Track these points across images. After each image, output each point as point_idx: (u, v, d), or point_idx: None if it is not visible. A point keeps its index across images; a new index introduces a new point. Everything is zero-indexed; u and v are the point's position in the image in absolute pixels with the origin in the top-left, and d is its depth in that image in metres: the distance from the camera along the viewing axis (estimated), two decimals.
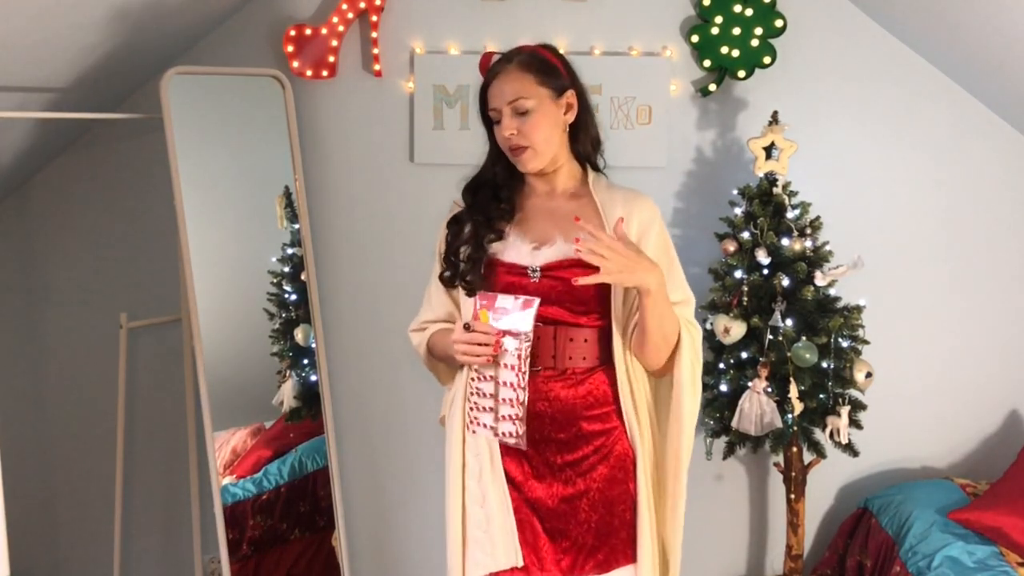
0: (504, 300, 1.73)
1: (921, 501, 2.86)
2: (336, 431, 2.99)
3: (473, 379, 1.84)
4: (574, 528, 1.87)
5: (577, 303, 1.84)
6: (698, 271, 3.10)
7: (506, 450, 1.87)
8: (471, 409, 1.85)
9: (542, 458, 1.87)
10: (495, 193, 1.92)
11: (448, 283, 1.95)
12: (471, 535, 1.87)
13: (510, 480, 1.87)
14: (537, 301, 1.73)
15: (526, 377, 1.75)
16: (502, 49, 1.99)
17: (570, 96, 1.90)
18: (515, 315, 1.72)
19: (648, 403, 1.94)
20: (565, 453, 1.87)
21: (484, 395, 1.81)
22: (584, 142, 1.94)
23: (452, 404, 1.95)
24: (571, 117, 1.91)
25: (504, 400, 1.78)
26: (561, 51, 2.97)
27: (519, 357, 1.73)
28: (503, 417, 1.79)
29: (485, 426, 1.82)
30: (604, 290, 1.85)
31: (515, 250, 1.87)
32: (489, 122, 1.91)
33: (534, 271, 1.85)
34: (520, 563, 1.84)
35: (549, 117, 1.85)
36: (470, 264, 1.87)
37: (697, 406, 1.93)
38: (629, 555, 1.90)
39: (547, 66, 1.88)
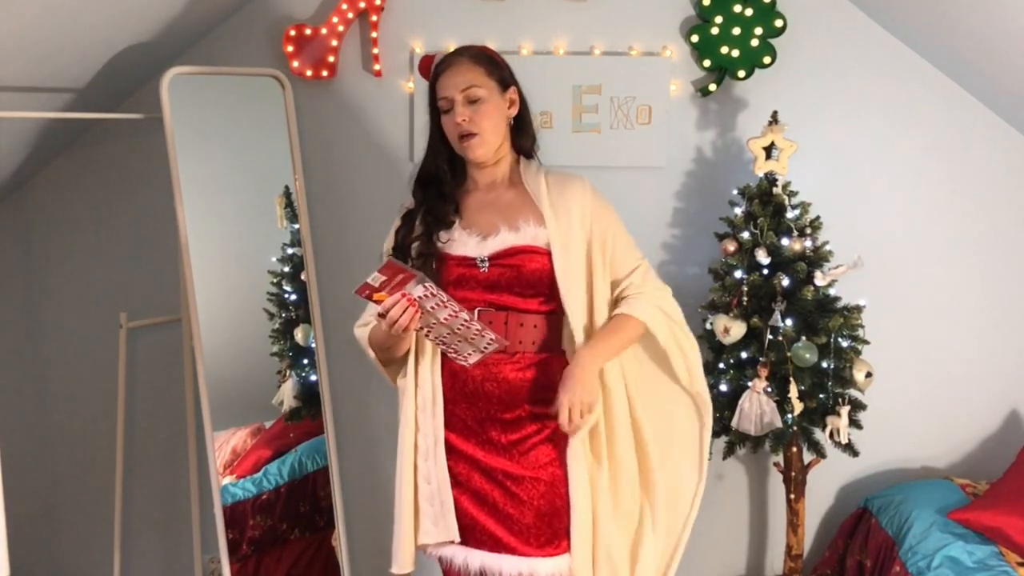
0: (374, 278, 1.81)
1: (921, 501, 2.86)
2: (336, 431, 2.99)
3: (431, 338, 1.93)
4: (516, 507, 1.94)
5: (525, 287, 1.95)
6: (698, 271, 3.10)
7: (452, 427, 1.98)
8: (455, 354, 1.94)
9: (487, 436, 1.97)
10: (440, 189, 2.02)
11: None
12: (422, 508, 1.99)
13: (460, 454, 1.97)
14: (389, 258, 1.84)
15: (453, 300, 1.83)
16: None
17: (513, 92, 2.03)
18: (395, 277, 1.80)
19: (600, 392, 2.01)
20: (509, 433, 1.96)
21: (447, 337, 1.90)
22: (526, 137, 2.07)
23: (403, 394, 2.03)
24: (514, 111, 2.03)
25: (462, 327, 1.87)
26: (561, 51, 3.02)
27: (433, 295, 1.81)
28: (474, 338, 1.88)
29: (471, 354, 1.92)
30: (552, 276, 1.95)
31: (462, 244, 1.98)
32: (435, 118, 2.01)
33: (482, 261, 1.96)
34: (457, 539, 1.96)
35: (496, 108, 1.98)
36: (421, 260, 1.97)
37: (686, 362, 2.08)
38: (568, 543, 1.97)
39: (494, 61, 2.02)
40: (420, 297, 1.82)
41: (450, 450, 1.98)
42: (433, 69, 2.01)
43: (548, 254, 1.96)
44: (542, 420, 1.97)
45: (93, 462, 3.17)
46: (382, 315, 1.85)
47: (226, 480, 2.80)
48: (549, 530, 1.95)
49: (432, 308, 1.83)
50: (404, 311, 1.82)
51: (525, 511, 1.94)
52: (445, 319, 1.85)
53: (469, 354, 1.92)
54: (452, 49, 2.07)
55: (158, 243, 3.06)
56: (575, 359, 1.93)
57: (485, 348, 1.90)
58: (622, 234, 2.06)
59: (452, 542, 1.97)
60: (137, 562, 3.21)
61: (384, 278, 1.79)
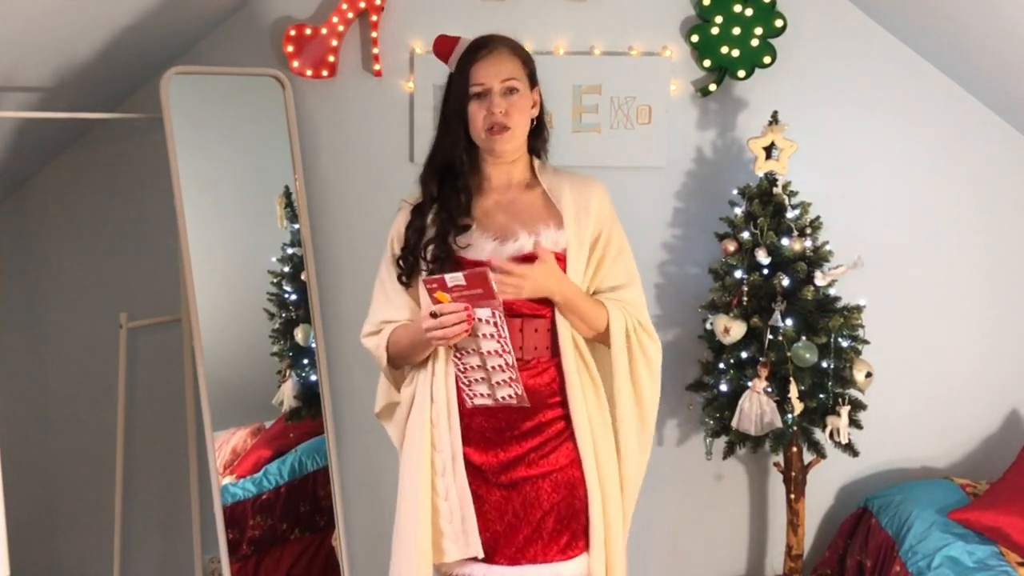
0: (454, 278, 1.72)
1: (921, 501, 2.86)
2: (336, 431, 2.99)
3: (457, 357, 1.85)
4: (537, 512, 1.89)
5: (545, 295, 1.88)
6: (698, 271, 3.10)
7: (470, 441, 1.90)
8: (465, 385, 1.87)
9: (506, 447, 1.90)
10: (455, 183, 1.93)
11: (407, 283, 1.96)
12: (439, 528, 1.90)
13: (477, 469, 1.90)
14: (486, 269, 1.73)
15: (509, 340, 1.77)
16: None
17: (536, 92, 1.97)
18: (474, 289, 1.72)
19: (596, 390, 1.96)
20: (530, 440, 1.90)
21: (472, 368, 1.83)
22: (542, 137, 2.01)
23: (414, 405, 1.95)
24: (536, 111, 1.97)
25: (494, 368, 1.80)
26: (561, 51, 3.02)
27: (496, 324, 1.73)
28: (497, 383, 1.82)
29: (482, 395, 1.85)
30: None
31: (478, 248, 1.90)
32: (458, 104, 1.90)
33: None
34: (480, 554, 1.89)
35: (527, 103, 1.92)
36: (438, 264, 1.89)
37: (632, 385, 1.96)
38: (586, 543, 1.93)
39: (528, 56, 1.96)
40: (480, 320, 1.73)
41: (467, 465, 1.89)
42: (465, 52, 1.90)
43: (565, 259, 1.91)
44: (562, 421, 1.92)
45: (93, 462, 3.17)
46: (434, 315, 1.76)
47: (226, 480, 2.80)
48: (569, 532, 1.91)
49: (483, 335, 1.75)
50: (457, 323, 1.74)
51: (547, 516, 1.89)
52: (487, 351, 1.77)
53: (481, 394, 1.85)
54: (464, 40, 1.98)
55: (158, 243, 3.06)
56: (560, 272, 1.87)
57: (502, 398, 1.83)
58: (624, 249, 2.00)
59: (475, 559, 1.90)
60: (137, 562, 3.21)
61: (463, 284, 1.70)
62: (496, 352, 1.77)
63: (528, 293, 1.83)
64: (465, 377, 1.86)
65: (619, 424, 1.96)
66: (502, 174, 1.97)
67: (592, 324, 1.92)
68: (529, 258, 1.88)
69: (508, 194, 1.96)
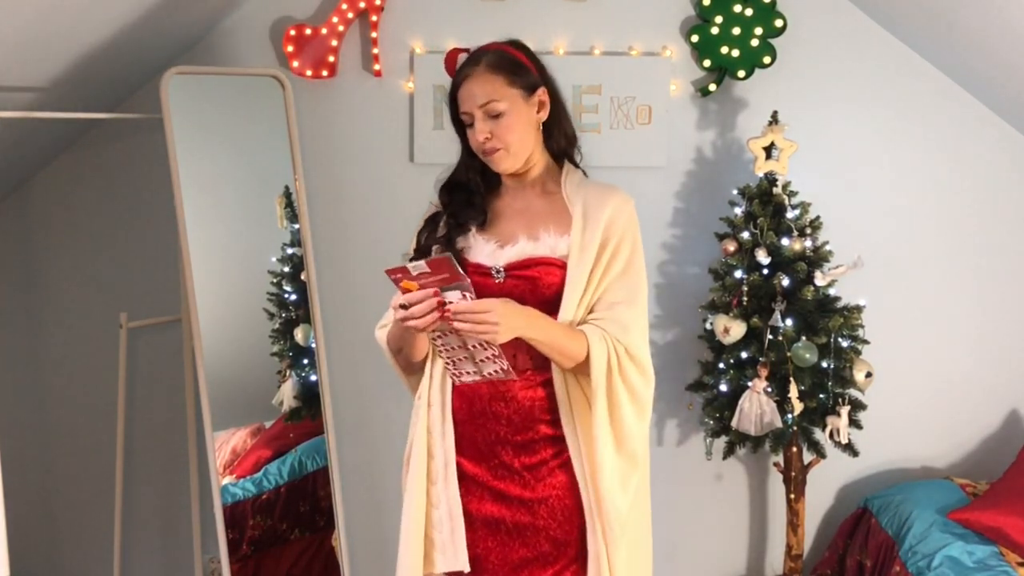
0: (417, 266, 1.66)
1: (921, 501, 2.86)
2: (336, 431, 2.99)
3: (437, 339, 1.78)
4: (532, 536, 1.85)
5: (539, 302, 1.79)
6: (698, 271, 3.10)
7: (463, 451, 1.87)
8: (450, 364, 1.81)
9: (499, 460, 1.85)
10: (469, 198, 1.90)
11: None
12: (429, 536, 1.87)
13: (471, 480, 1.87)
14: (448, 254, 1.66)
15: None
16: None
17: (542, 94, 1.86)
18: (439, 274, 1.66)
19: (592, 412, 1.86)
20: (523, 456, 1.85)
21: (454, 348, 1.77)
22: (558, 139, 1.91)
23: (416, 409, 1.92)
24: (544, 115, 1.87)
25: (475, 347, 1.74)
26: (561, 51, 3.02)
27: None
28: (482, 361, 1.76)
29: (468, 373, 1.80)
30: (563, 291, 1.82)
31: (479, 251, 1.86)
32: (461, 124, 1.87)
33: (498, 271, 1.83)
34: (467, 568, 1.84)
35: (522, 117, 1.82)
36: None
37: (612, 425, 1.80)
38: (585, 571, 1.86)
39: (516, 65, 1.83)
40: (452, 302, 1.67)
41: (461, 476, 1.86)
42: (454, 77, 1.85)
43: (564, 266, 1.82)
44: (560, 443, 1.84)
45: (93, 462, 3.17)
46: (403, 306, 1.68)
47: (226, 480, 2.80)
48: (564, 558, 1.86)
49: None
50: (429, 312, 1.66)
51: (541, 539, 1.85)
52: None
53: (467, 372, 1.80)
54: (459, 48, 1.92)
55: (158, 243, 3.06)
56: (525, 308, 1.74)
57: (489, 374, 1.78)
58: (633, 267, 1.87)
59: (461, 573, 1.86)
60: (137, 562, 3.21)
61: (428, 271, 1.64)
62: None
63: (503, 332, 1.67)
64: (448, 358, 1.81)
65: (596, 460, 1.79)
66: (515, 181, 1.92)
67: (571, 356, 1.78)
68: (526, 263, 1.83)
69: (521, 200, 1.92)
